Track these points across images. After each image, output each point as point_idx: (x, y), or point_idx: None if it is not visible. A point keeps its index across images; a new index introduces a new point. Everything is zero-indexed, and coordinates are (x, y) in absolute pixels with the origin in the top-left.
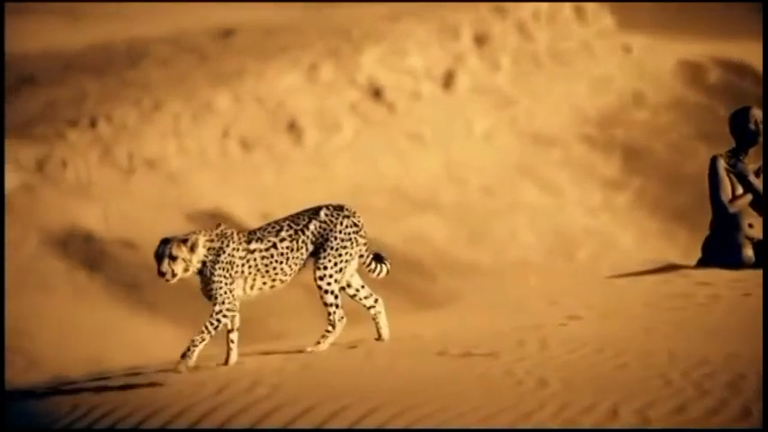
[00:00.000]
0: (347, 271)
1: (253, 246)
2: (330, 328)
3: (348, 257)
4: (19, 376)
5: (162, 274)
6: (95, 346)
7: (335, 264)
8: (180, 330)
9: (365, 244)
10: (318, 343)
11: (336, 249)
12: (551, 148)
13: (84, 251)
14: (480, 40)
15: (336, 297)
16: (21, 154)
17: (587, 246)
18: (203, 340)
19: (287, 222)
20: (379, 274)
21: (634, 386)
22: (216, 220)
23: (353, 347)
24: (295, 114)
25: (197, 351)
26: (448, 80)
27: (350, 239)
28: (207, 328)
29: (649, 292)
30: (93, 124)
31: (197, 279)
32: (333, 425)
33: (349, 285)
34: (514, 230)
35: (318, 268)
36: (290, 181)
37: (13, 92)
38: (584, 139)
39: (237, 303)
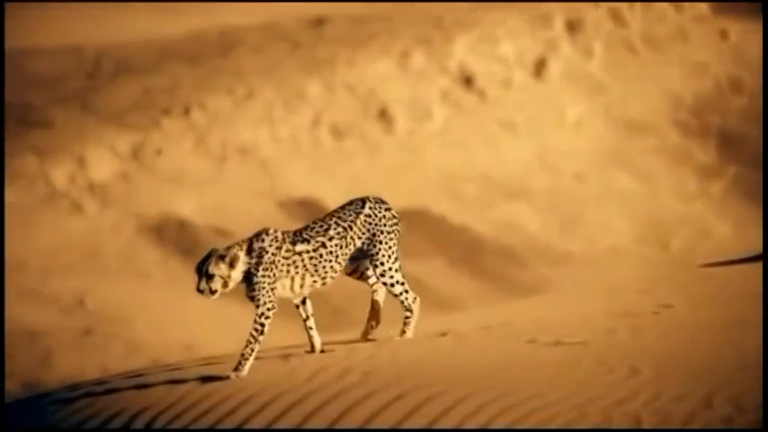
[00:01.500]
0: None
1: (299, 247)
2: (408, 313)
3: (396, 247)
4: (118, 362)
5: (200, 292)
6: (190, 332)
7: (389, 256)
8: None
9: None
10: (404, 332)
11: (387, 243)
12: (645, 134)
13: (179, 239)
14: (572, 26)
15: (403, 284)
16: (117, 142)
17: (681, 234)
18: (252, 350)
19: (334, 220)
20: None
21: (727, 375)
22: (307, 208)
23: (444, 335)
24: (386, 102)
25: (249, 362)
26: (539, 67)
27: (394, 232)
28: (253, 335)
29: (744, 282)
30: (186, 112)
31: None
32: (423, 412)
33: (354, 271)
34: (607, 218)
35: (377, 266)
36: (381, 168)
37: (109, 80)
38: (679, 125)
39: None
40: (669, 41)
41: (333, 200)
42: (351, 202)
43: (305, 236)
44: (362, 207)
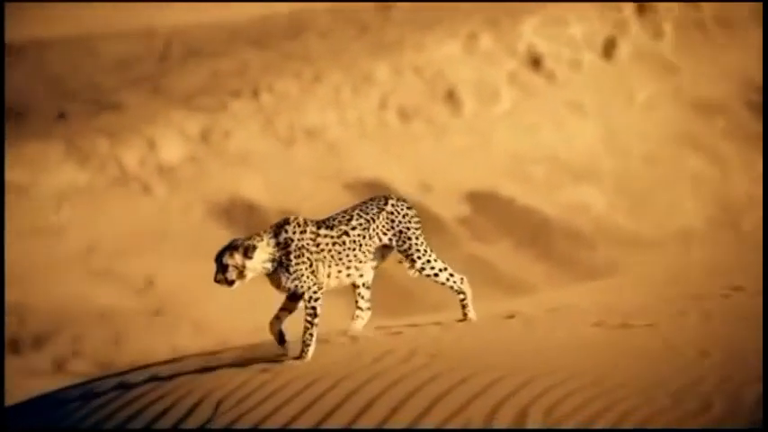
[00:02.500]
0: (366, 267)
1: (323, 232)
2: (462, 295)
3: (424, 240)
4: (187, 343)
5: (217, 282)
6: (258, 314)
7: (424, 249)
8: (338, 301)
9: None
10: (465, 315)
11: (417, 237)
12: (715, 116)
13: (247, 220)
14: (642, 7)
15: (444, 269)
16: (186, 125)
17: (752, 216)
18: (312, 335)
19: (356, 212)
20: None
21: None
22: (374, 190)
23: (510, 318)
24: (453, 84)
25: (311, 348)
26: (609, 48)
27: (419, 228)
28: (308, 321)
29: None
30: (255, 95)
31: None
32: (487, 396)
33: (362, 276)
34: (677, 200)
35: (414, 261)
36: (448, 151)
37: (179, 64)
38: (751, 106)
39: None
40: (741, 23)
41: (400, 182)
42: (372, 199)
43: (329, 223)
44: (385, 204)
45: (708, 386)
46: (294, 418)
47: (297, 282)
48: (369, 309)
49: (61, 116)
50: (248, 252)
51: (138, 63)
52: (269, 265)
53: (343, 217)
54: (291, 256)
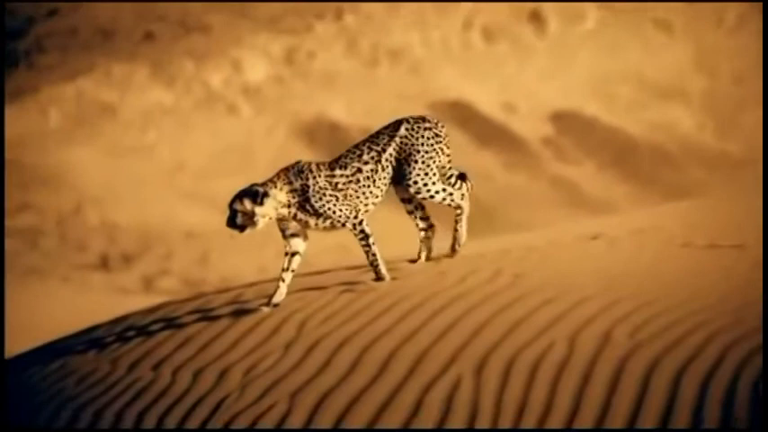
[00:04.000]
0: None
1: (338, 172)
2: (458, 210)
3: (436, 167)
4: (273, 263)
5: (228, 226)
6: (345, 234)
7: (426, 174)
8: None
9: (449, 155)
10: (456, 230)
11: (423, 162)
12: None
13: (330, 141)
14: None
15: (443, 190)
16: (271, 46)
17: None
18: (375, 255)
19: (367, 145)
20: (456, 193)
21: None
22: (457, 110)
23: (595, 239)
24: (538, 4)
25: (382, 267)
26: None
27: (434, 150)
28: (365, 247)
29: None
30: (339, 16)
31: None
32: (571, 317)
33: (410, 201)
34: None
35: (409, 186)
36: (533, 71)
37: None
38: None
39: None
40: None
41: (483, 103)
42: (388, 126)
43: (341, 163)
44: (397, 129)
45: None
46: (377, 338)
47: (330, 219)
48: (432, 226)
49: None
50: (258, 199)
51: None
52: (285, 211)
53: (354, 153)
54: (314, 200)
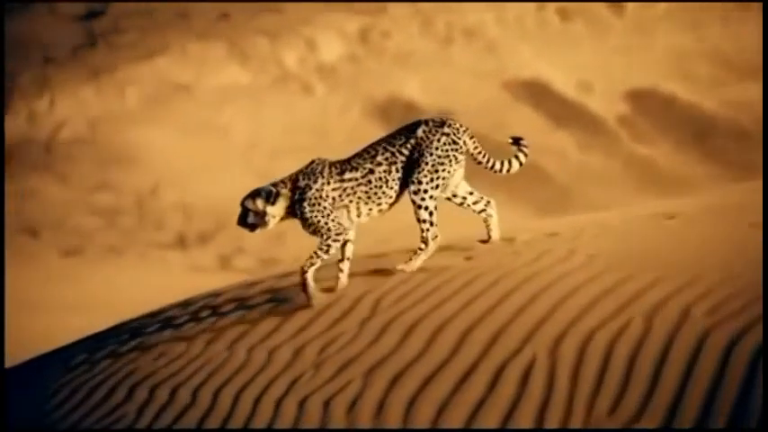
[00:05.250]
0: (449, 186)
1: (347, 176)
2: (422, 245)
3: (446, 175)
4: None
5: (239, 225)
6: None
7: (431, 179)
8: (495, 201)
9: (476, 152)
10: (409, 260)
11: (433, 165)
12: None
13: (404, 120)
14: None
15: (431, 214)
16: (345, 25)
17: None
18: (314, 264)
19: (383, 145)
20: (509, 170)
21: None
22: (532, 89)
23: (671, 218)
24: None
25: (310, 287)
26: None
27: (447, 156)
28: (315, 253)
29: None
30: None
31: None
32: (647, 296)
33: (455, 195)
34: None
35: (413, 182)
36: (608, 50)
37: None
38: None
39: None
40: None
41: (559, 82)
42: (407, 126)
43: (353, 164)
44: (415, 131)
45: None
46: (451, 318)
47: (313, 228)
48: (488, 202)
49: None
50: (270, 198)
51: None
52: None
53: (368, 153)
54: (305, 204)
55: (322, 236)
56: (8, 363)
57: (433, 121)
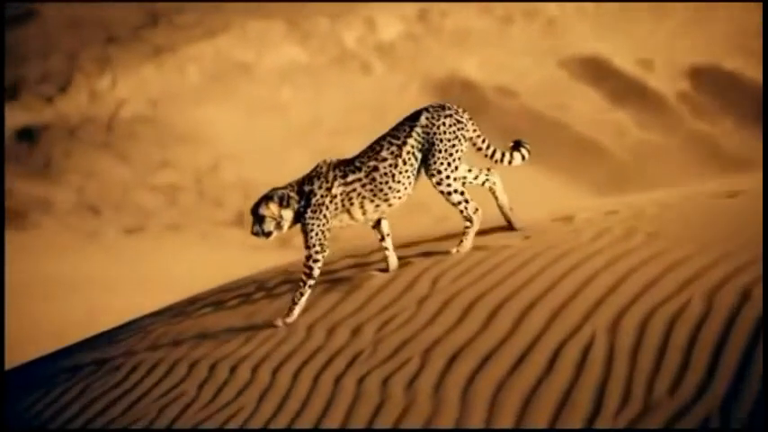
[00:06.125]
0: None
1: (350, 178)
2: (468, 223)
3: (460, 155)
4: (401, 223)
5: (254, 234)
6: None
7: (449, 164)
8: (554, 180)
9: (475, 136)
10: (461, 242)
11: (446, 151)
12: None
13: (462, 98)
14: None
15: (462, 193)
16: (404, 4)
17: None
18: (302, 295)
19: (387, 140)
20: (510, 162)
21: None
22: (591, 67)
23: (732, 196)
24: None
25: (298, 308)
26: None
27: (456, 137)
28: (302, 280)
29: None
30: None
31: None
32: (709, 276)
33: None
34: None
35: (433, 175)
36: (669, 26)
37: None
38: None
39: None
40: None
41: (618, 59)
42: (409, 116)
43: (356, 164)
44: (417, 119)
45: None
46: (510, 296)
47: (306, 235)
48: (489, 170)
49: None
50: (283, 201)
51: None
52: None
53: (372, 150)
54: (309, 210)
55: (308, 248)
56: (73, 339)
57: (433, 107)
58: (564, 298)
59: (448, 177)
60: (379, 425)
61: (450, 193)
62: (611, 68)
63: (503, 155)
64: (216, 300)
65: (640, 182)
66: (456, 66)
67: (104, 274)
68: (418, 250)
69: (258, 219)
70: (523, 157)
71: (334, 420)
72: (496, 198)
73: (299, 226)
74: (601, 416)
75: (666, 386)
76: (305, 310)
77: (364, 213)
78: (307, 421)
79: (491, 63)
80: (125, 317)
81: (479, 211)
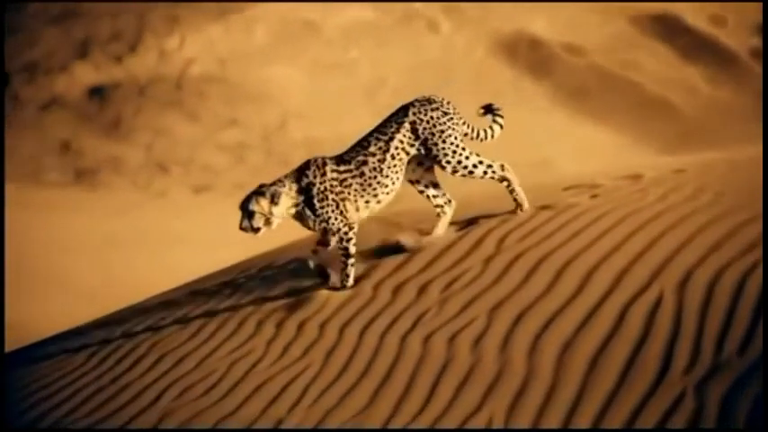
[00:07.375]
0: (416, 170)
1: (342, 168)
2: (505, 182)
3: (458, 140)
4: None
5: (243, 230)
6: (540, 150)
7: (453, 152)
8: (622, 138)
9: (461, 123)
10: (516, 203)
11: (445, 141)
12: None
13: (530, 58)
14: None
15: (481, 163)
16: None
17: None
18: (348, 275)
19: (374, 135)
20: (493, 136)
21: None
22: (661, 24)
23: None
24: None
25: (351, 277)
26: None
27: (449, 127)
28: (343, 263)
29: None
30: None
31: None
32: None
33: (418, 181)
34: None
35: (445, 167)
36: None
37: None
38: None
39: (355, 218)
40: None
41: (689, 15)
42: (396, 111)
43: (346, 158)
44: (405, 115)
45: None
46: (576, 256)
47: (325, 224)
48: (449, 201)
49: None
50: (275, 198)
51: None
52: (293, 211)
53: (361, 145)
54: (315, 201)
55: (335, 233)
56: (150, 293)
57: (419, 101)
58: (631, 257)
59: (459, 162)
60: (444, 384)
61: (471, 172)
62: (682, 25)
63: (485, 133)
64: (282, 258)
65: (710, 139)
66: (523, 24)
67: (174, 232)
68: (482, 211)
69: (248, 214)
70: (501, 126)
71: (399, 380)
72: (437, 224)
73: (298, 224)
74: (669, 375)
75: (736, 345)
76: (371, 270)
77: (357, 209)
78: (372, 380)
79: (559, 20)
80: (196, 274)
81: (506, 165)
